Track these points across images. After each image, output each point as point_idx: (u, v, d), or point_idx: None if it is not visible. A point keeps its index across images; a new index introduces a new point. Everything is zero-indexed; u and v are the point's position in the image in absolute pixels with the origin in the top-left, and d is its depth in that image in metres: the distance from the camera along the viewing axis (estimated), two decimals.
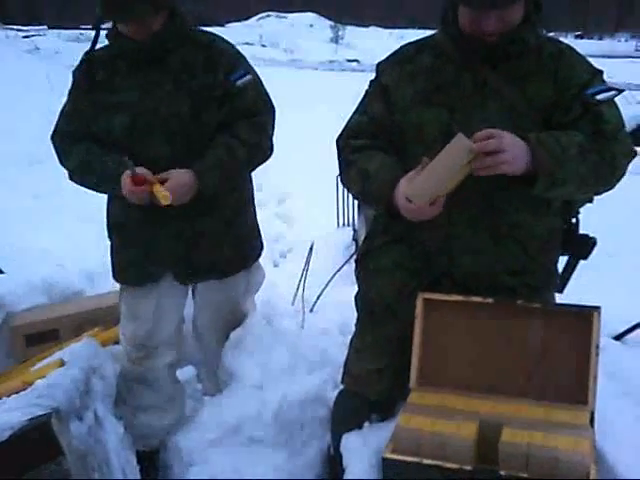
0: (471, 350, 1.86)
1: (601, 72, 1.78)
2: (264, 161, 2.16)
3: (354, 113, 1.94)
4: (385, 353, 1.93)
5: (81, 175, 2.08)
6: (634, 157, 1.76)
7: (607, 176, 1.71)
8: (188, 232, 2.12)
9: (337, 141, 1.94)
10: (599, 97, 1.70)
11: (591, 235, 1.94)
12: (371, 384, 1.95)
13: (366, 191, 1.82)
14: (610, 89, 1.73)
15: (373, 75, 1.93)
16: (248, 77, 2.08)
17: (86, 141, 2.06)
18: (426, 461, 1.60)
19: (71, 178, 2.13)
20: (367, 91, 1.93)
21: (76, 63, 2.09)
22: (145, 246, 2.13)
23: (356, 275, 2.02)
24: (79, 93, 2.07)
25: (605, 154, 1.67)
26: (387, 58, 1.92)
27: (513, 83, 1.71)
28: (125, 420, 2.16)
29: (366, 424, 1.95)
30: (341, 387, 2.05)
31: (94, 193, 2.16)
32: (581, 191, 1.75)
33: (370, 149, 1.85)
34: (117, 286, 2.32)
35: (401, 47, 1.93)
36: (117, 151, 1.99)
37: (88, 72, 2.05)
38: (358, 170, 1.82)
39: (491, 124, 1.67)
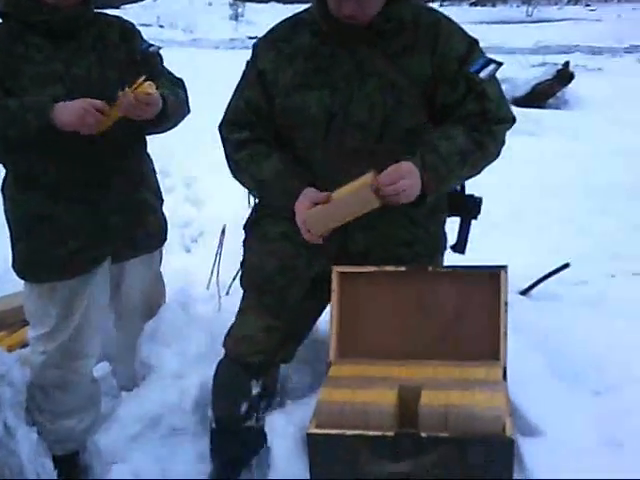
0: (387, 319, 1.89)
1: (477, 41, 1.78)
2: (184, 118, 2.16)
3: (232, 96, 1.90)
4: (269, 315, 1.89)
5: None
6: (514, 123, 1.83)
7: (489, 159, 1.79)
8: (128, 204, 2.10)
9: (219, 129, 1.90)
10: (482, 75, 1.73)
11: (476, 195, 1.98)
12: (254, 344, 1.88)
13: (265, 199, 1.86)
14: (489, 62, 1.76)
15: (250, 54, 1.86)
16: (156, 46, 2.16)
17: None
18: (349, 432, 1.61)
19: None
20: (244, 72, 1.88)
21: None
22: (89, 228, 2.04)
23: (243, 242, 2.01)
24: None
25: (487, 141, 1.73)
26: (263, 38, 1.87)
27: (392, 60, 1.70)
28: (40, 426, 2.07)
29: (289, 402, 1.95)
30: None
31: None
32: (465, 181, 1.88)
33: (254, 144, 1.82)
34: (20, 287, 2.21)
35: (276, 25, 1.88)
36: None
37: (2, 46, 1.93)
38: (251, 178, 1.82)
39: (372, 103, 1.69)
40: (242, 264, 2.01)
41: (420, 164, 1.63)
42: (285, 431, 1.85)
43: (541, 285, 2.61)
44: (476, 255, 2.32)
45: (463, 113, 1.72)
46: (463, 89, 1.72)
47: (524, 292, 2.59)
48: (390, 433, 1.60)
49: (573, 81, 7.53)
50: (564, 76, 7.49)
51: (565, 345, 2.16)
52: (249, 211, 2.05)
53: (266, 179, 1.77)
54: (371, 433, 1.60)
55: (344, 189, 1.66)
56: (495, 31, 20.13)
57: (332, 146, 1.73)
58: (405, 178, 1.59)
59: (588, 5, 29.59)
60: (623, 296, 2.55)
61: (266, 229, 1.91)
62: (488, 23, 23.40)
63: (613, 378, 1.96)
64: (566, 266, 2.60)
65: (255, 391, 1.89)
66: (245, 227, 2.02)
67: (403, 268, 1.89)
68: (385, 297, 1.90)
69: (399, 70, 1.69)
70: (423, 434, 1.58)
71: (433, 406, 1.61)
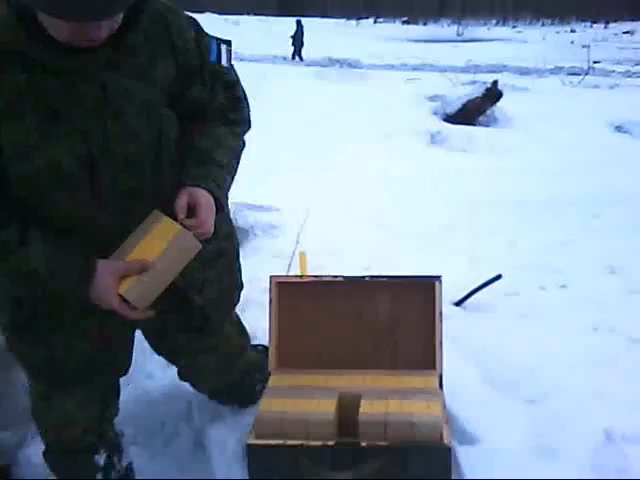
0: (326, 328, 1.90)
1: (195, 20, 1.53)
2: None
3: None
4: (81, 390, 1.67)
5: None
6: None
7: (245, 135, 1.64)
8: None
9: None
10: (224, 63, 1.55)
11: None
12: (76, 427, 1.69)
13: (40, 295, 1.44)
14: (219, 43, 1.55)
15: None
16: None
17: None
18: (290, 442, 1.61)
19: None
20: None
21: None
22: None
23: (13, 345, 1.61)
24: None
25: (244, 128, 1.62)
26: None
27: (138, 76, 1.39)
28: None
29: (228, 413, 1.92)
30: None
31: None
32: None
33: None
34: None
35: None
36: None
37: None
38: (9, 277, 1.41)
39: (135, 132, 1.39)
40: (28, 359, 1.62)
41: (214, 186, 1.46)
42: (225, 442, 1.83)
43: (474, 296, 2.68)
44: (411, 266, 2.37)
45: (216, 106, 1.55)
46: (211, 83, 1.53)
47: (458, 303, 2.65)
48: (330, 442, 1.61)
49: (502, 99, 7.79)
50: (493, 94, 7.73)
51: (498, 355, 2.22)
52: None
53: (36, 271, 1.35)
54: (311, 443, 1.61)
55: (147, 245, 1.37)
56: (427, 49, 20.65)
57: (103, 195, 1.38)
58: (211, 213, 1.43)
59: (515, 27, 30.74)
60: (553, 308, 2.64)
61: (63, 316, 1.51)
62: (420, 41, 23.99)
63: (545, 387, 2.03)
64: (498, 277, 2.67)
65: (102, 461, 1.75)
66: (13, 330, 1.57)
67: (341, 278, 1.91)
68: (324, 307, 1.92)
69: (150, 86, 1.40)
70: (363, 443, 1.60)
71: (372, 415, 1.63)
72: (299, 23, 20.28)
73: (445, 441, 1.59)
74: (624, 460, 1.72)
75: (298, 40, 19.98)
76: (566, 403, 1.95)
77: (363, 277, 1.93)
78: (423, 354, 1.85)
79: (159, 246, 1.36)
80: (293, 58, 19.74)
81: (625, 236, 3.53)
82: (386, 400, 1.67)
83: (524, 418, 1.90)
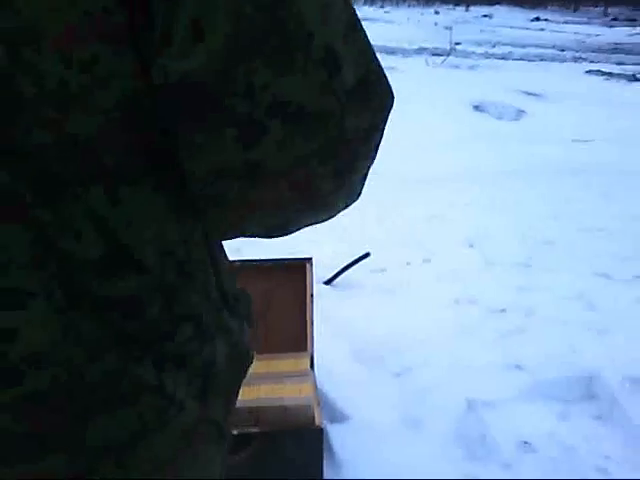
0: None
1: None
2: None
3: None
4: None
5: None
6: None
7: None
8: None
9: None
10: None
11: None
12: None
13: None
14: None
15: None
16: None
17: None
18: None
19: None
20: None
21: None
22: None
23: None
24: None
25: None
26: None
27: None
28: None
29: None
30: None
31: None
32: None
33: None
34: None
35: None
36: None
37: None
38: None
39: None
40: None
41: None
42: None
43: (343, 274, 2.72)
44: (281, 247, 2.36)
45: None
46: None
47: (328, 282, 2.68)
48: None
49: None
50: None
51: (366, 331, 2.28)
52: None
53: None
54: None
55: None
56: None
57: None
58: None
59: (382, 7, 31.38)
60: (417, 282, 2.75)
61: None
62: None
63: (409, 360, 2.11)
64: (366, 255, 2.72)
65: None
66: None
67: None
68: None
69: None
70: (235, 431, 1.58)
71: (244, 401, 1.61)
72: None
73: (317, 422, 1.60)
74: (484, 426, 1.82)
75: None
76: (430, 375, 2.04)
77: (233, 261, 1.90)
78: (294, 336, 1.86)
79: None
80: None
81: (484, 211, 3.73)
82: (257, 386, 1.66)
83: (391, 392, 1.97)
